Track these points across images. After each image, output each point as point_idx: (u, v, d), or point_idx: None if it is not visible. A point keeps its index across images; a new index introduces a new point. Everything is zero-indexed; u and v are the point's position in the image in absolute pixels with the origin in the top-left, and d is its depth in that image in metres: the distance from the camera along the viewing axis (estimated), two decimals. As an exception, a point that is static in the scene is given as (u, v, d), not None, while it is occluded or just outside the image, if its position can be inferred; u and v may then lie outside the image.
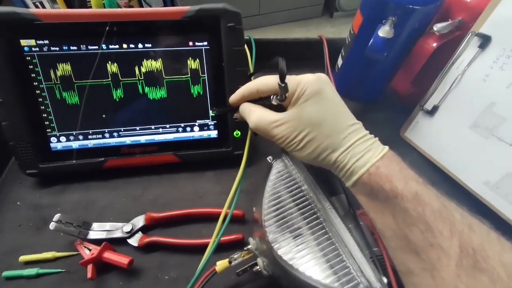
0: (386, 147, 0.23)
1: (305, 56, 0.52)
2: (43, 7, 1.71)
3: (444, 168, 0.40)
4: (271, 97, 0.25)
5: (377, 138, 0.23)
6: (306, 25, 2.02)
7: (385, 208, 0.21)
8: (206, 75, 0.36)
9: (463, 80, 0.36)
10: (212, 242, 0.26)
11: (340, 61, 0.48)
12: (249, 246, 0.27)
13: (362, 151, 0.22)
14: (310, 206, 0.25)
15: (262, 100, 0.26)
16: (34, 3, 1.69)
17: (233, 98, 0.28)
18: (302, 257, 0.23)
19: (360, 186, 0.22)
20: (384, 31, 0.34)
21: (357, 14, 0.42)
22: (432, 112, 0.39)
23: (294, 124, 0.23)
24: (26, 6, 1.66)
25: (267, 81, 0.25)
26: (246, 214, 0.35)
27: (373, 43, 0.36)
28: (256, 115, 0.25)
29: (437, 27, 0.35)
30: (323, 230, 0.24)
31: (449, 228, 0.18)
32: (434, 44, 0.36)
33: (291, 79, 0.23)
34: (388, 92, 0.49)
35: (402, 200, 0.20)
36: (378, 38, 0.35)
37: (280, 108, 0.25)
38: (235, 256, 0.27)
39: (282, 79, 0.22)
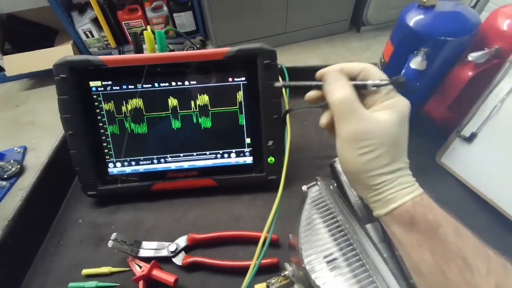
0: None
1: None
2: (92, 35, 1.91)
3: (484, 196, 0.38)
4: (369, 84, 0.23)
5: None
6: (332, 40, 2.03)
7: (423, 241, 0.21)
8: (243, 106, 0.39)
9: (503, 108, 0.35)
10: (252, 266, 0.28)
11: (370, 87, 0.49)
12: (286, 272, 0.29)
13: (409, 182, 0.22)
14: (345, 237, 0.26)
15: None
16: (84, 32, 1.91)
17: (328, 69, 0.25)
18: (338, 287, 0.24)
19: (398, 215, 0.22)
20: (416, 63, 0.35)
21: (388, 43, 0.43)
22: (470, 139, 0.38)
23: (375, 129, 0.22)
24: (79, 36, 1.87)
25: (366, 66, 0.24)
26: (280, 238, 0.36)
27: (405, 74, 0.36)
28: (346, 92, 0.23)
29: (472, 56, 0.35)
30: (360, 262, 0.25)
31: (486, 267, 0.18)
32: (470, 73, 0.36)
33: (386, 89, 0.23)
34: (422, 117, 0.48)
35: (444, 232, 0.20)
36: (410, 69, 0.35)
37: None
38: (273, 281, 0.29)
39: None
